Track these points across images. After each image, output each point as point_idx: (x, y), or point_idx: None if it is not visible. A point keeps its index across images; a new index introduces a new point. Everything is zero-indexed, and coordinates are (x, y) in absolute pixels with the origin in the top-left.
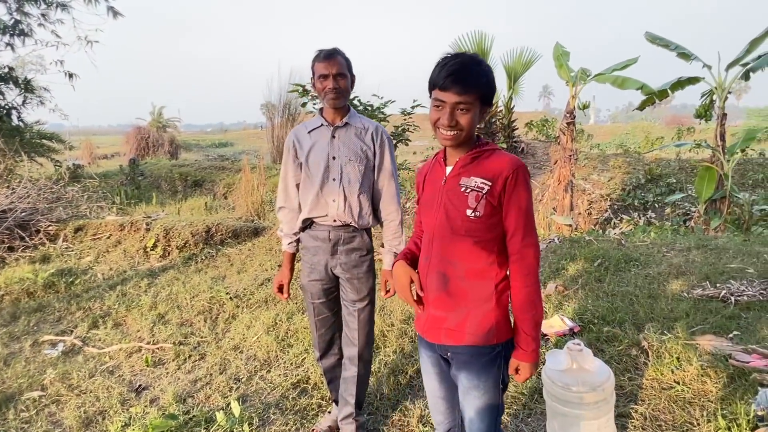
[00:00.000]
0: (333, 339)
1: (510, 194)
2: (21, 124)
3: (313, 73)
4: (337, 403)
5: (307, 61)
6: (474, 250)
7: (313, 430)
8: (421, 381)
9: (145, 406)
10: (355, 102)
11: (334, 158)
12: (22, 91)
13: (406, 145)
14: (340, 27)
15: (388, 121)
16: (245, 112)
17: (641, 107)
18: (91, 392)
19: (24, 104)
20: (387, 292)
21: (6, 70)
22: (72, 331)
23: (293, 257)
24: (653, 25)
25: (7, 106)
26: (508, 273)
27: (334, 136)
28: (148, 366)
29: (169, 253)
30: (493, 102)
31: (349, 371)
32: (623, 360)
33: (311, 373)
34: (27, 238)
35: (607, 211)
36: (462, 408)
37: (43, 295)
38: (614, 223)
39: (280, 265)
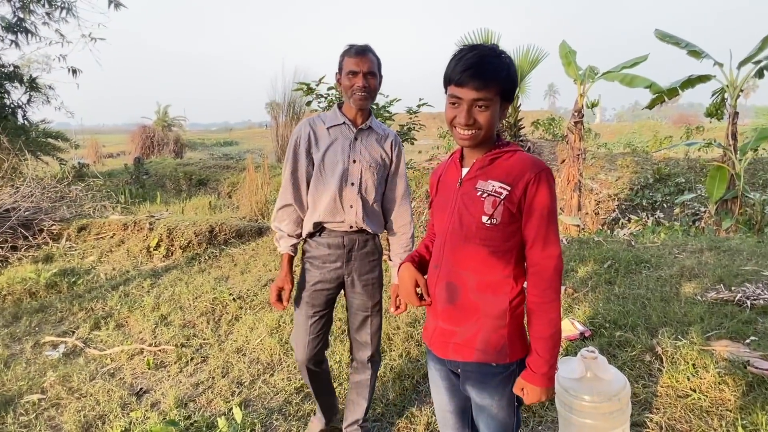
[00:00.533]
0: (322, 356)
1: (531, 200)
2: (26, 122)
3: (340, 68)
4: (326, 416)
5: (311, 59)
6: (488, 261)
7: None
8: (428, 386)
9: (146, 411)
10: None
11: (354, 161)
12: (27, 89)
13: (412, 144)
14: (344, 25)
15: (394, 120)
16: (250, 111)
17: (650, 106)
18: (91, 396)
19: (29, 103)
20: (398, 308)
21: (11, 68)
22: (74, 333)
23: (293, 260)
24: (662, 23)
25: (12, 105)
26: (525, 287)
27: (356, 138)
28: (149, 368)
29: (172, 253)
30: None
31: (363, 375)
32: (636, 366)
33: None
34: (30, 238)
35: (614, 211)
36: (476, 423)
37: (46, 295)
38: (622, 224)
39: None
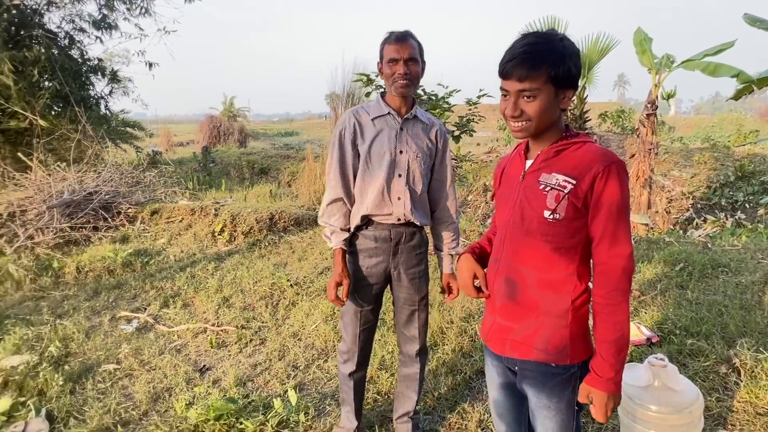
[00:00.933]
0: (370, 349)
1: (599, 194)
2: (108, 112)
3: (382, 57)
4: (358, 415)
5: (371, 49)
6: (551, 258)
7: None
8: (480, 383)
9: (208, 387)
10: (419, 91)
11: (401, 152)
12: (109, 81)
13: (471, 135)
14: (404, 14)
15: (453, 111)
16: (310, 102)
17: (736, 97)
18: (159, 369)
19: (111, 94)
20: (449, 294)
21: (96, 62)
22: (145, 309)
23: (346, 255)
24: (751, 6)
25: (96, 96)
26: (590, 285)
27: (402, 129)
28: (212, 347)
29: (234, 239)
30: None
31: (411, 368)
32: (710, 378)
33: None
34: (109, 219)
35: (688, 210)
36: (532, 423)
37: (122, 273)
38: (697, 224)
39: None
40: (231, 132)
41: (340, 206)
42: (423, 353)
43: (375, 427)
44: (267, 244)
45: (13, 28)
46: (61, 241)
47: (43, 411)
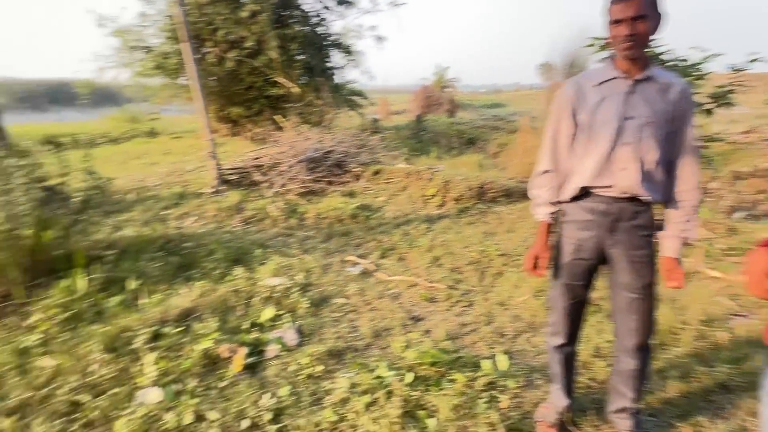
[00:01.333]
0: (580, 326)
1: None
2: (343, 80)
3: (608, 17)
4: (569, 394)
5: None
6: None
7: (539, 422)
8: (723, 398)
9: (421, 335)
10: (664, 57)
11: (628, 118)
12: (345, 55)
13: (729, 108)
14: None
15: (705, 79)
16: (519, 73)
17: None
18: (379, 310)
19: (345, 66)
20: (671, 282)
21: (336, 37)
22: (367, 257)
23: (550, 228)
24: None
25: (334, 68)
26: None
27: (631, 92)
28: (423, 300)
29: (445, 204)
30: None
31: (626, 364)
32: None
33: (581, 349)
34: (341, 176)
35: None
36: None
37: (349, 223)
38: None
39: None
40: (441, 102)
41: (549, 178)
42: (643, 350)
43: (587, 411)
44: (475, 212)
45: (278, 9)
46: (305, 190)
47: (296, 324)
